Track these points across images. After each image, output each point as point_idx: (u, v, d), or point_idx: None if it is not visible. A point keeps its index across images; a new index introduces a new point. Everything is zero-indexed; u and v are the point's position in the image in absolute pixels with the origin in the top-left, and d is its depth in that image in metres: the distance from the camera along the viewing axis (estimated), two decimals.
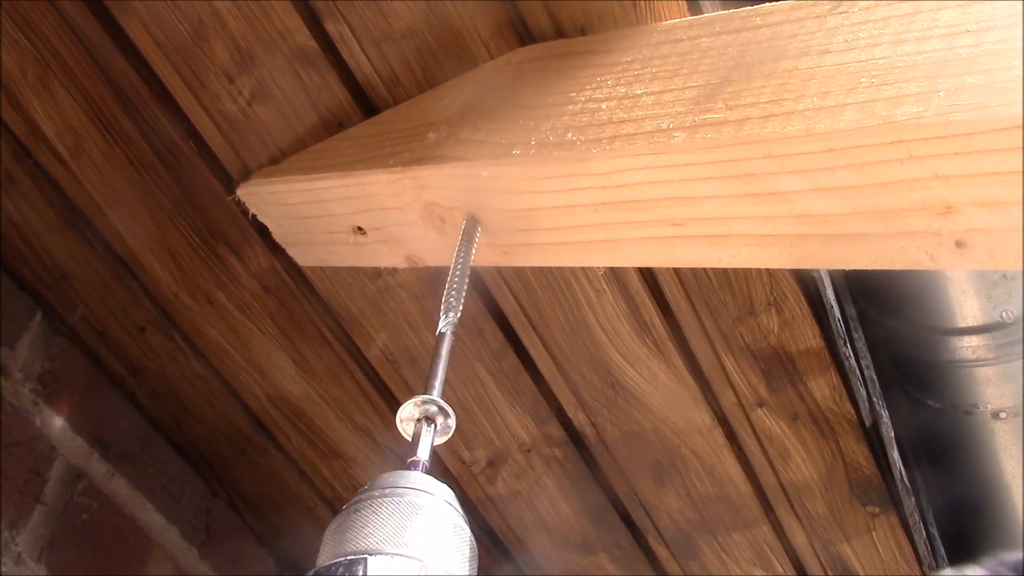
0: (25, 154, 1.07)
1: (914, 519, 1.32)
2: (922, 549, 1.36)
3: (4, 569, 1.04)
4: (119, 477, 1.23)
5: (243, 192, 1.05)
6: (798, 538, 1.39)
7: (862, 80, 0.68)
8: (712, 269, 1.11)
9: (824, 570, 1.43)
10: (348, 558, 0.58)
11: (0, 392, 1.10)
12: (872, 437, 1.26)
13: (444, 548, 0.60)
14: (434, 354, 0.74)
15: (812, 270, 1.10)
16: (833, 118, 0.66)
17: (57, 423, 1.17)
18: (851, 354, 1.17)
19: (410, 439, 0.67)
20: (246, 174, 1.05)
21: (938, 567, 1.38)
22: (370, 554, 0.58)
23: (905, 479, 1.28)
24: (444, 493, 0.63)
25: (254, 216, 1.06)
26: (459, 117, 0.92)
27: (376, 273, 1.13)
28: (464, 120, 0.91)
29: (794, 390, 1.21)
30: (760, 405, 1.23)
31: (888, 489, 1.31)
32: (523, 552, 1.45)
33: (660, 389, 1.23)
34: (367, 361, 1.23)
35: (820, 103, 0.68)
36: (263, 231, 1.08)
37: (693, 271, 1.11)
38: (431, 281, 1.14)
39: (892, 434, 1.24)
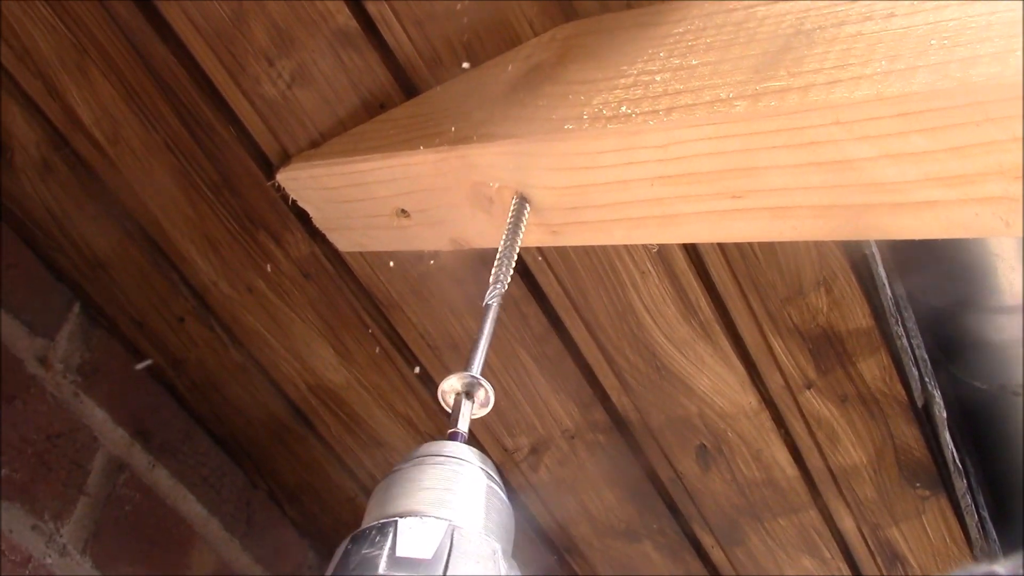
0: (63, 142, 1.06)
1: (966, 501, 1.29)
2: (973, 532, 1.34)
3: (49, 560, 1.03)
4: (160, 468, 1.22)
5: (283, 177, 1.03)
6: (846, 523, 1.37)
7: (932, 42, 0.66)
8: (760, 248, 1.09)
9: (872, 555, 1.41)
10: (381, 521, 0.57)
11: (41, 383, 1.09)
12: (922, 418, 1.24)
13: (480, 513, 0.60)
14: (480, 327, 0.74)
15: (863, 247, 1.08)
16: (905, 81, 0.64)
17: (98, 414, 1.16)
18: (902, 333, 1.14)
19: (450, 411, 0.68)
20: (285, 159, 1.04)
21: (990, 550, 1.36)
22: (401, 516, 0.57)
23: (957, 460, 1.26)
24: (481, 462, 0.64)
25: (294, 201, 1.04)
26: (505, 95, 0.90)
27: (417, 258, 1.12)
28: (511, 97, 0.89)
29: (843, 371, 1.19)
30: (808, 387, 1.21)
31: (939, 472, 1.28)
32: (566, 540, 1.44)
33: (706, 372, 1.21)
34: (408, 348, 1.21)
35: (889, 67, 0.66)
36: (303, 217, 1.07)
37: (740, 251, 1.09)
38: (473, 265, 1.12)
39: (944, 415, 1.21)
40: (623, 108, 0.78)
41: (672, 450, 1.31)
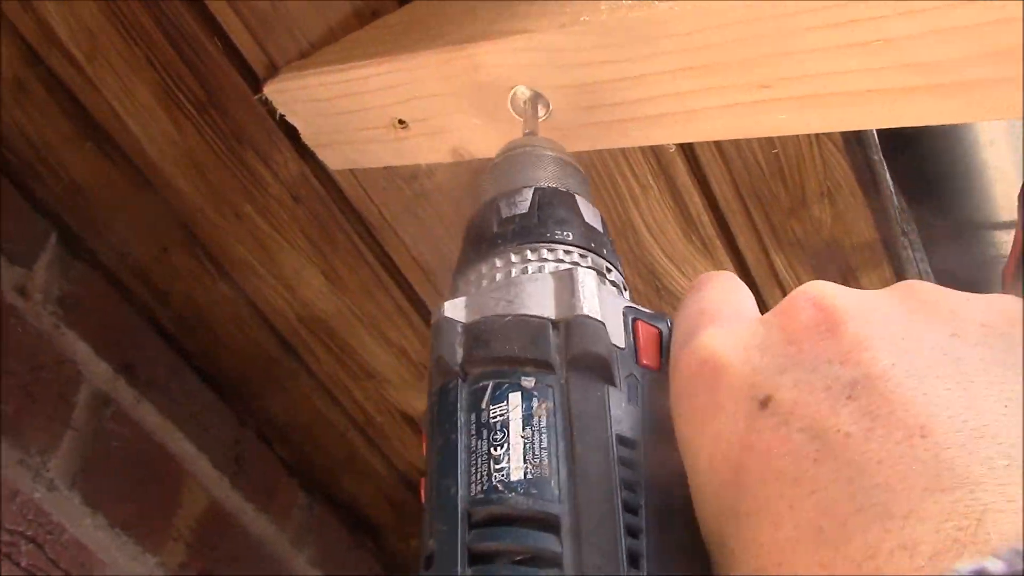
0: (37, 60, 1.00)
1: None
2: None
3: (37, 495, 0.99)
4: (146, 404, 1.17)
5: (271, 89, 0.98)
6: None
7: None
8: (764, 159, 1.06)
9: None
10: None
11: (21, 314, 1.04)
12: None
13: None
14: None
15: (870, 153, 1.06)
16: None
17: (81, 347, 1.11)
18: (907, 244, 1.13)
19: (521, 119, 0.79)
20: (273, 72, 0.99)
21: None
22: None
23: None
24: (556, 146, 0.69)
25: (282, 117, 0.99)
26: None
27: (412, 176, 1.08)
28: None
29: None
30: None
31: None
32: None
33: None
34: (401, 273, 1.18)
35: None
36: (292, 134, 1.02)
37: (744, 162, 1.07)
38: (469, 183, 1.08)
39: None
40: None
41: None
